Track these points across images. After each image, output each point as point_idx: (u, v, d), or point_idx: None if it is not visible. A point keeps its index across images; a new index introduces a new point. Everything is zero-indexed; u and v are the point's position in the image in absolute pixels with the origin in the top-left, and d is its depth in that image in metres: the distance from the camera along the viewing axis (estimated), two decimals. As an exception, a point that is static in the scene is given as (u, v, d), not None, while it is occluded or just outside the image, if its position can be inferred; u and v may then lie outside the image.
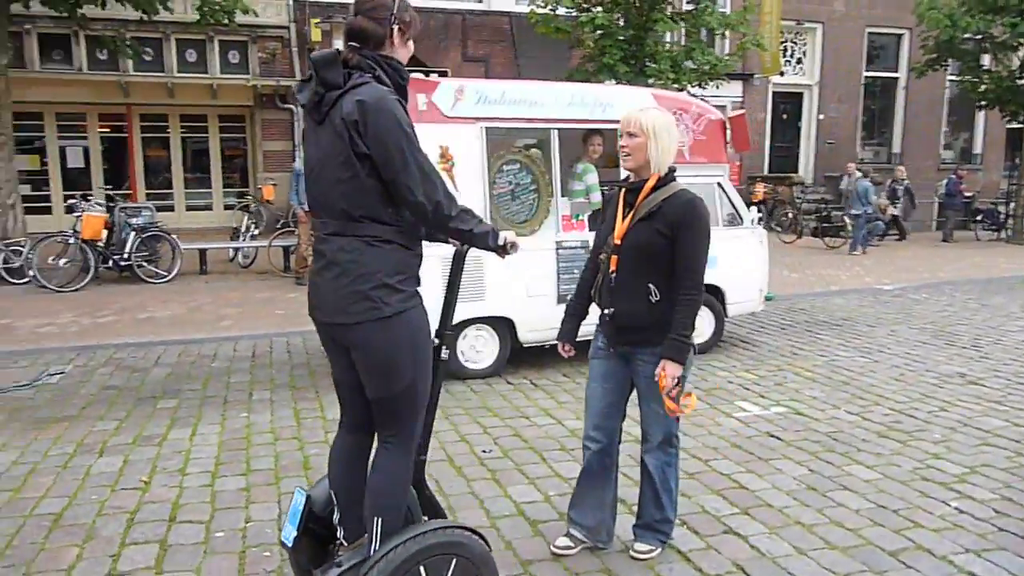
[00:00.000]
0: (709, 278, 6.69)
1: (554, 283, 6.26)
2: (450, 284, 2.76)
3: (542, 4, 13.55)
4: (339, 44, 12.07)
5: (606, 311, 3.13)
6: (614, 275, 3.09)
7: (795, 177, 19.73)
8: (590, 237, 6.20)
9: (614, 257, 3.09)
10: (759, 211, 9.65)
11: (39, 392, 5.82)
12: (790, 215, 17.50)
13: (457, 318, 5.69)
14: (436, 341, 2.67)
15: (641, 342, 3.07)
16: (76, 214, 10.09)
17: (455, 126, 5.91)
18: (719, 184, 7.00)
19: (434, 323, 2.66)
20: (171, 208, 16.17)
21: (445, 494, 3.95)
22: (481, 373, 6.18)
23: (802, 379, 6.15)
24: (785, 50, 19.63)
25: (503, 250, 2.61)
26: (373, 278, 2.37)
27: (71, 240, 10.00)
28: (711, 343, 7.03)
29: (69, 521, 3.63)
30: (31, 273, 9.85)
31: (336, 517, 2.62)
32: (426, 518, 2.73)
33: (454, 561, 2.48)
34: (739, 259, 7.03)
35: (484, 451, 4.57)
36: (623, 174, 3.41)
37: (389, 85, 2.39)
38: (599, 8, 13.19)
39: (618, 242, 3.08)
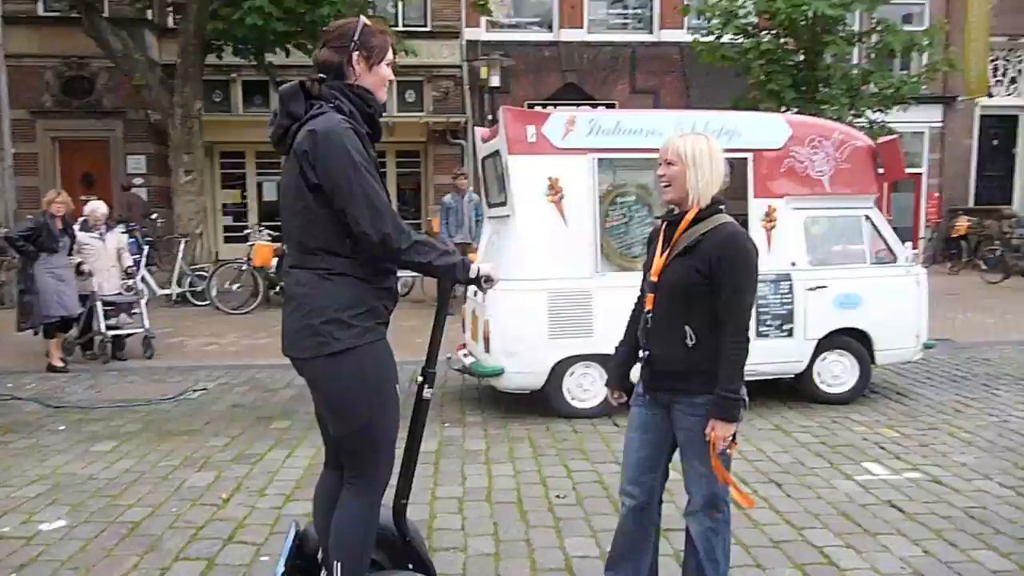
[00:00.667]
0: (853, 321, 6.25)
1: (669, 321, 5.90)
2: (435, 320, 2.62)
3: (705, 32, 13.12)
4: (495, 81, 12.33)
5: (642, 353, 2.86)
6: (650, 315, 2.81)
7: (1005, 210, 17.54)
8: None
9: (651, 295, 2.82)
10: (932, 247, 8.61)
11: (179, 406, 6.32)
12: (997, 252, 15.55)
13: (564, 354, 5.79)
14: (420, 379, 2.56)
15: (679, 390, 2.74)
16: (249, 243, 11.02)
17: (565, 158, 5.78)
18: (867, 217, 6.32)
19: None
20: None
21: (499, 538, 3.78)
22: (587, 413, 5.93)
23: (956, 441, 5.32)
24: (995, 69, 17.64)
25: (478, 284, 2.46)
26: (324, 312, 2.31)
27: (244, 267, 10.93)
28: (855, 393, 6.29)
29: (143, 531, 3.85)
30: (211, 296, 10.85)
31: (320, 556, 2.56)
32: (411, 567, 2.59)
33: None
34: (891, 301, 6.29)
35: (558, 496, 4.34)
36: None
37: (348, 114, 2.34)
38: (765, 33, 12.53)
39: (655, 279, 2.80)
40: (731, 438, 2.62)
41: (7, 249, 8.60)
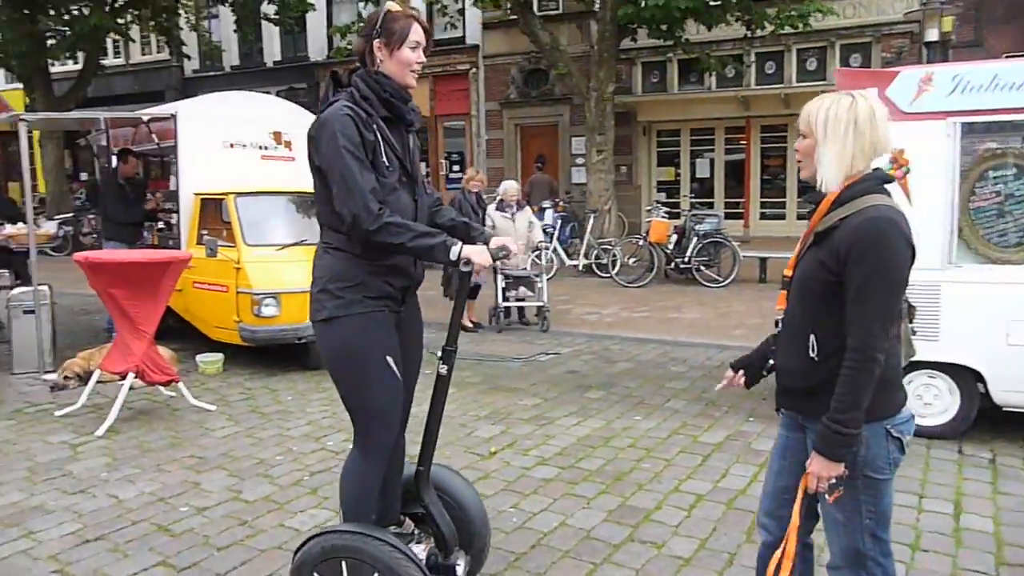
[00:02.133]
0: None
1: (1055, 332, 4.55)
2: (455, 299, 2.68)
3: None
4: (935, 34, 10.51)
5: (770, 362, 2.39)
6: (783, 318, 2.34)
7: None
8: None
9: (782, 293, 2.35)
10: None
11: (525, 366, 6.97)
12: None
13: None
14: (438, 356, 2.64)
15: (807, 412, 2.25)
16: (647, 219, 11.36)
17: (914, 124, 4.79)
18: None
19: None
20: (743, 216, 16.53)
21: (702, 543, 3.47)
22: (930, 431, 4.91)
23: None
24: None
25: (457, 267, 2.43)
26: (318, 282, 2.54)
27: (641, 243, 11.32)
28: None
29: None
30: (614, 270, 11.51)
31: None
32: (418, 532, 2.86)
33: (343, 563, 2.46)
34: None
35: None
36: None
37: (363, 99, 2.47)
38: None
39: (788, 273, 2.35)
40: (836, 483, 2.09)
41: None
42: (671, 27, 11.43)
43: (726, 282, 11.15)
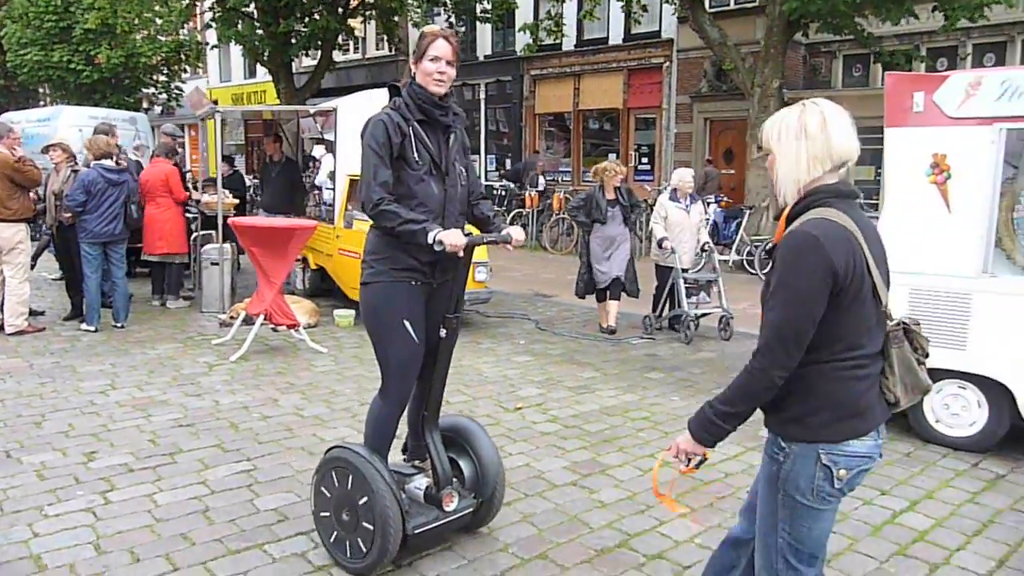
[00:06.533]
0: None
1: (1089, 349, 4.36)
2: (454, 278, 3.16)
3: None
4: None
5: None
6: None
7: None
8: None
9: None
10: None
11: (614, 346, 7.46)
12: None
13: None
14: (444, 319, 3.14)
15: (768, 424, 2.18)
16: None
17: (959, 129, 4.76)
18: None
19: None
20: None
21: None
22: (957, 443, 4.85)
23: None
24: None
25: (431, 248, 2.88)
26: (364, 254, 3.15)
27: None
28: None
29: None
30: (761, 267, 11.44)
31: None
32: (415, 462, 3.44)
33: (333, 471, 3.18)
34: None
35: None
36: None
37: (404, 106, 3.00)
38: None
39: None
40: (692, 461, 2.19)
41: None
42: (841, 20, 11.03)
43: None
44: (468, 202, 3.25)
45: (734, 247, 12.24)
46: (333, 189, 8.55)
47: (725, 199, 13.54)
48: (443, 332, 3.14)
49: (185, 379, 5.82)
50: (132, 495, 3.81)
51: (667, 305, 7.96)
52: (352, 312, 7.92)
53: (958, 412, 4.87)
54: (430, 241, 2.85)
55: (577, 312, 8.94)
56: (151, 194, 7.99)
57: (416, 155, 2.99)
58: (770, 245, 2.13)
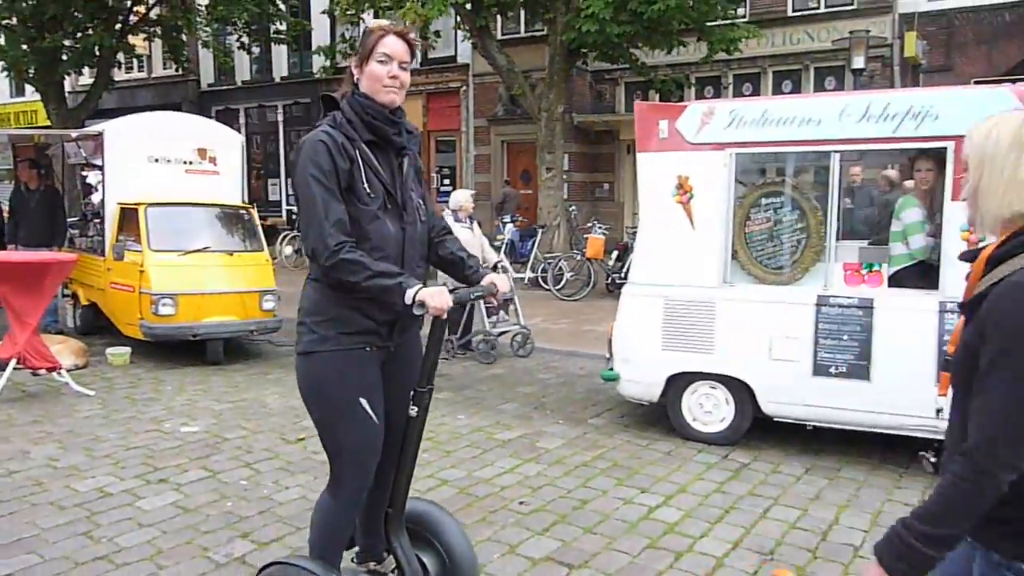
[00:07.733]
0: None
1: (809, 349, 4.94)
2: (430, 336, 2.53)
3: None
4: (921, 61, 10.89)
5: (932, 458, 1.88)
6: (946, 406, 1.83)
7: None
8: (882, 295, 4.76)
9: (944, 376, 1.94)
10: None
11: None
12: None
13: (679, 368, 5.36)
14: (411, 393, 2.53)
15: (973, 532, 1.60)
16: (585, 236, 11.84)
17: (697, 153, 5.28)
18: None
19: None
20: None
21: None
22: (711, 438, 5.33)
23: None
24: None
25: (410, 310, 2.29)
26: (299, 314, 2.48)
27: (578, 257, 11.80)
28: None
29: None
30: (555, 283, 11.99)
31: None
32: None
33: None
34: None
35: (521, 503, 4.26)
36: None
37: (344, 123, 2.37)
38: None
39: (951, 350, 1.78)
40: None
41: None
42: (615, 51, 11.92)
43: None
44: (429, 241, 2.62)
45: (528, 264, 12.73)
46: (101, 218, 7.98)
47: (520, 219, 14.06)
48: (413, 410, 2.53)
49: (-82, 436, 5.17)
50: None
51: (464, 328, 8.08)
52: (127, 350, 7.41)
53: (710, 410, 5.36)
54: (408, 302, 2.25)
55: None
56: None
57: (367, 186, 2.36)
58: (971, 298, 1.62)
